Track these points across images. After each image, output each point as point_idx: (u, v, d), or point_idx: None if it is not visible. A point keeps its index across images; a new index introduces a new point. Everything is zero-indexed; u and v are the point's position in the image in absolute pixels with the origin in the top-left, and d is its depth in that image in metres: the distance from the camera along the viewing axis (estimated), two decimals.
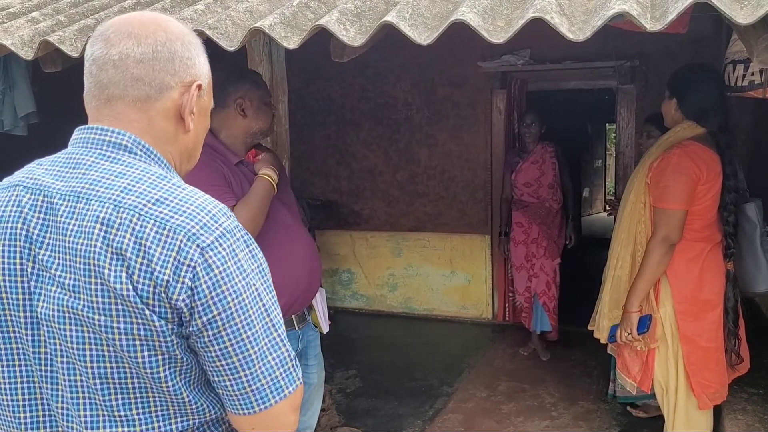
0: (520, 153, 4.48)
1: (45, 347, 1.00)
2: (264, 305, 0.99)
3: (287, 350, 1.02)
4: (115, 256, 0.92)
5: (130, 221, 0.93)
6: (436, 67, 5.18)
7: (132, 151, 1.02)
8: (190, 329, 0.94)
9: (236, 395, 0.98)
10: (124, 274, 0.92)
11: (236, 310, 0.94)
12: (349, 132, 5.54)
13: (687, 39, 4.34)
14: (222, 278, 0.93)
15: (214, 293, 0.93)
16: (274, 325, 1.00)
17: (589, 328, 2.63)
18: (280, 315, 1.03)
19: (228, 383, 0.97)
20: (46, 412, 1.03)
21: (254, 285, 0.98)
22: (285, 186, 2.32)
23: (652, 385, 2.42)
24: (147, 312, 0.92)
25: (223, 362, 0.96)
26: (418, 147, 5.36)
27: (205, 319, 0.93)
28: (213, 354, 0.95)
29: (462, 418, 3.60)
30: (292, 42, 1.72)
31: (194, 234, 0.93)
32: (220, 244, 0.94)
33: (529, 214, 4.36)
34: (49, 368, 1.01)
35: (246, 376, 0.97)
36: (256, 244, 1.03)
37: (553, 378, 4.10)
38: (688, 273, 2.31)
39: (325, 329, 2.48)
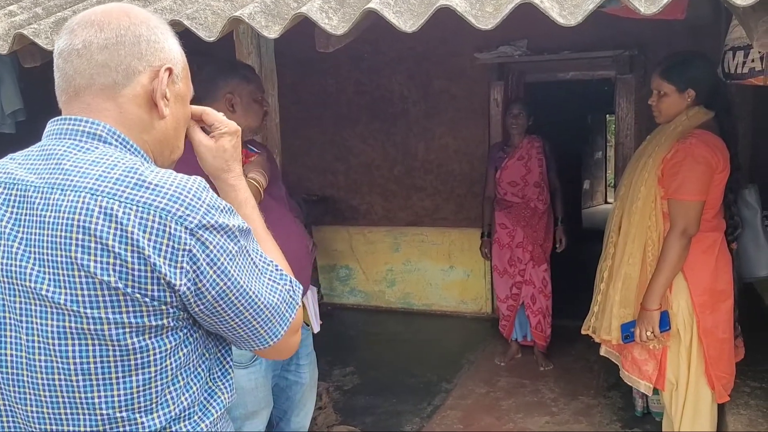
0: (504, 148, 4.20)
1: (10, 349, 0.96)
2: (253, 260, 1.02)
3: (282, 282, 1.07)
4: (99, 246, 0.90)
5: (111, 209, 0.90)
6: (431, 60, 5.11)
7: (106, 141, 0.99)
8: (199, 307, 0.97)
9: (250, 338, 1.05)
10: (111, 266, 0.90)
11: (237, 274, 0.97)
12: (346, 126, 5.48)
13: (685, 27, 4.28)
14: (219, 252, 0.95)
15: (215, 268, 0.95)
16: (268, 271, 1.05)
17: (584, 331, 2.55)
18: (266, 257, 1.07)
19: (242, 332, 1.03)
20: (9, 418, 1.00)
21: (243, 246, 1.00)
22: (276, 181, 2.26)
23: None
24: (141, 299, 0.92)
25: (236, 320, 1.01)
26: (415, 141, 5.30)
27: (213, 293, 0.96)
28: (224, 317, 1.00)
29: (461, 414, 3.54)
30: (273, 32, 1.66)
31: (181, 216, 0.92)
32: (209, 221, 0.94)
33: (513, 216, 4.09)
34: (13, 370, 0.97)
35: (259, 323, 1.03)
36: (232, 207, 1.03)
37: (554, 373, 4.04)
38: (704, 264, 2.25)
39: (316, 328, 2.42)
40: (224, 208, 0.98)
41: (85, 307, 0.91)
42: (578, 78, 4.92)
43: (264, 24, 1.67)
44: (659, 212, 2.29)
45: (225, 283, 0.96)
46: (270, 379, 2.19)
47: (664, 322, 2.23)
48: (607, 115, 11.97)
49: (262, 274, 1.03)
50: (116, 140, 1.00)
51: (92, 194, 0.92)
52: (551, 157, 4.19)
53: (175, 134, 1.10)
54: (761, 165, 3.77)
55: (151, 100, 1.03)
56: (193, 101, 1.16)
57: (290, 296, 1.07)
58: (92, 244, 0.90)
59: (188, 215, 0.93)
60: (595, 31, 4.68)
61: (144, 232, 0.90)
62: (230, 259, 0.96)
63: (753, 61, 2.43)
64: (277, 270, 1.07)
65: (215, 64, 2.12)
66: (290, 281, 1.08)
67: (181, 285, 0.92)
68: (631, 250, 2.34)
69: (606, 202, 12.26)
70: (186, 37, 1.20)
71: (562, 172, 4.44)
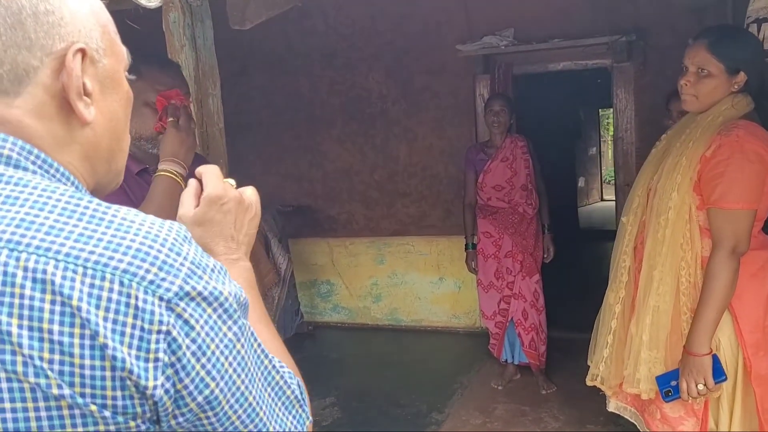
0: (485, 149, 3.80)
1: None
2: (256, 351, 0.71)
3: (290, 388, 0.75)
4: (27, 332, 0.58)
5: (43, 270, 0.59)
6: (411, 54, 4.70)
7: (18, 164, 0.66)
8: (178, 421, 0.64)
9: None
10: (46, 362, 0.58)
11: (237, 372, 0.66)
12: (321, 130, 5.06)
13: (688, 8, 3.90)
14: (210, 335, 0.64)
15: (205, 360, 0.63)
16: (273, 365, 0.73)
17: (589, 383, 2.09)
18: (265, 348, 0.74)
19: None
20: None
21: (244, 327, 0.69)
22: None
23: None
24: (98, 413, 0.60)
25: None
26: (396, 142, 4.88)
27: (201, 399, 0.64)
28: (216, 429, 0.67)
29: None
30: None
31: (153, 281, 0.61)
32: (194, 288, 0.63)
33: (498, 223, 3.68)
34: None
35: None
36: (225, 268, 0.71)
37: (557, 397, 3.62)
38: (755, 292, 1.78)
39: None
40: (214, 268, 0.67)
41: (5, 427, 0.59)
42: (570, 68, 4.52)
43: None
44: (695, 226, 1.82)
45: (218, 385, 0.64)
46: None
47: (719, 370, 1.73)
48: (600, 110, 11.63)
49: (266, 374, 0.72)
50: (33, 162, 0.67)
51: (10, 249, 0.59)
52: (535, 157, 3.78)
53: (112, 137, 0.76)
54: None
55: (63, 103, 0.68)
56: None
57: (299, 407, 0.76)
58: (15, 328, 0.58)
59: (163, 279, 0.62)
60: (588, 16, 4.29)
61: (97, 306, 0.59)
62: (226, 347, 0.65)
63: None
64: (280, 369, 0.75)
65: None
66: (298, 385, 0.77)
67: (155, 388, 0.61)
68: (662, 276, 1.85)
69: (602, 200, 11.90)
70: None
71: (556, 169, 4.04)
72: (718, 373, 1.73)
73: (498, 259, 3.70)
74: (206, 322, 0.64)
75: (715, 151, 1.75)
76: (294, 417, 0.75)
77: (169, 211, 1.58)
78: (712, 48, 1.81)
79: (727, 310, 1.77)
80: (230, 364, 0.66)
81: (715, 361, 1.74)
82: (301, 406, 0.76)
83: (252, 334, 0.70)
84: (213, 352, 0.64)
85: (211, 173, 0.88)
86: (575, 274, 6.01)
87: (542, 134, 6.21)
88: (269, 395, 0.72)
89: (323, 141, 5.07)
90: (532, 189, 3.70)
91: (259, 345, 0.71)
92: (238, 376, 0.67)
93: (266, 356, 0.72)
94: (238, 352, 0.67)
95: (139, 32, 2.49)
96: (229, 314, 0.66)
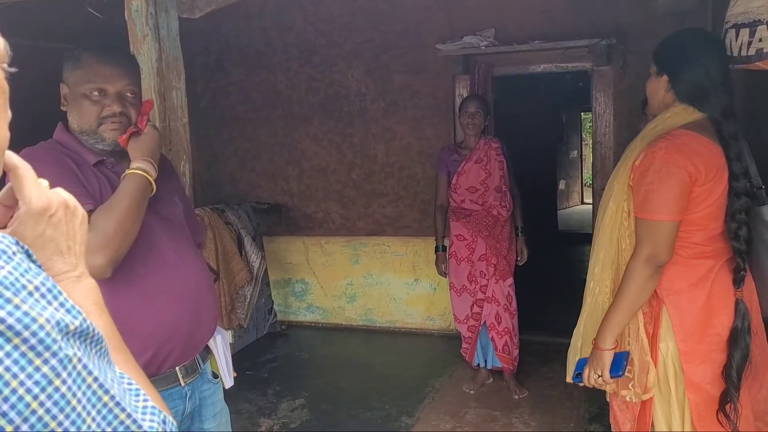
0: (458, 150, 3.75)
1: None
2: (95, 380, 0.60)
3: (140, 428, 0.63)
4: None
5: None
6: (390, 52, 4.64)
7: None
8: None
9: None
10: None
11: (49, 410, 0.55)
12: (298, 127, 4.98)
13: (669, 13, 3.87)
14: (9, 369, 0.53)
15: (0, 399, 0.52)
16: (116, 403, 0.61)
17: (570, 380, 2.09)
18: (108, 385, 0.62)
19: None
20: None
21: (63, 357, 0.57)
22: (169, 193, 1.75)
23: None
24: None
25: None
26: (374, 142, 4.81)
27: None
28: None
29: None
30: None
31: None
32: None
33: (472, 225, 3.62)
34: None
35: None
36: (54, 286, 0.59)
37: (529, 402, 3.58)
38: (692, 301, 1.77)
39: (229, 382, 1.92)
40: (36, 290, 0.57)
41: None
42: (551, 71, 4.48)
43: None
44: (633, 231, 1.82)
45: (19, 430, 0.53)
46: None
47: (618, 365, 1.78)
48: (582, 113, 11.65)
49: (103, 413, 0.60)
50: None
51: None
52: (509, 159, 3.73)
53: None
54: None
55: None
56: None
57: None
58: None
59: None
60: (570, 18, 4.26)
61: None
62: (36, 384, 0.54)
63: (761, 40, 1.97)
64: (126, 408, 0.62)
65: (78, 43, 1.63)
66: (162, 422, 0.66)
67: None
68: (600, 276, 1.91)
69: (582, 203, 11.91)
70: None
71: (536, 172, 3.99)
72: (616, 369, 1.78)
73: (471, 262, 3.65)
74: (8, 355, 0.53)
75: (642, 161, 1.75)
76: None
77: (138, 212, 1.52)
78: (654, 52, 1.89)
79: (670, 318, 1.78)
80: (41, 405, 0.55)
81: (618, 357, 1.79)
82: None
83: (85, 367, 0.59)
84: (14, 391, 0.53)
85: (27, 177, 0.70)
86: (552, 277, 5.99)
87: (523, 136, 6.18)
88: None
89: (300, 138, 4.99)
90: (506, 191, 3.65)
91: (96, 379, 0.60)
92: (53, 418, 0.55)
93: (105, 392, 0.60)
94: (56, 389, 0.56)
95: (102, 21, 2.41)
96: (45, 346, 0.55)
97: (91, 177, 1.59)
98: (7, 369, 0.53)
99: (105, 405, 0.60)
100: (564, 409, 3.48)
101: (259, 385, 3.96)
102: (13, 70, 0.66)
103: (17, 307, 0.54)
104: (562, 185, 10.85)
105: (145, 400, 0.66)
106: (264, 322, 4.90)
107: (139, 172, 1.53)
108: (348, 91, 4.81)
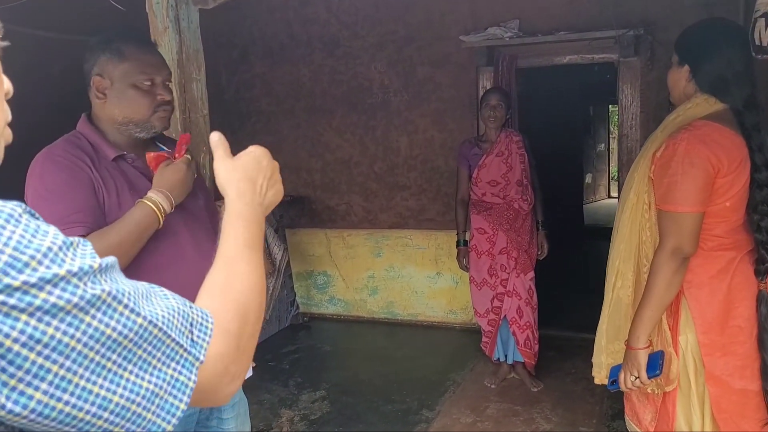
0: (479, 144, 3.70)
1: None
2: (125, 307, 0.64)
3: (170, 337, 0.68)
4: None
5: None
6: (414, 44, 4.61)
7: None
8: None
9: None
10: None
11: (81, 382, 0.59)
12: (321, 120, 4.98)
13: (697, 2, 3.79)
14: (32, 344, 0.56)
15: (31, 376, 0.56)
16: (149, 321, 0.67)
17: (594, 375, 2.05)
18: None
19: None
20: None
21: (92, 296, 0.61)
22: (194, 196, 1.75)
23: None
24: None
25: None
26: (397, 134, 4.80)
27: (44, 385, 0.56)
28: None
29: None
30: None
31: None
32: (11, 283, 0.54)
33: (493, 219, 3.58)
34: None
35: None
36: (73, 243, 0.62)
37: (550, 398, 3.55)
38: (712, 294, 1.74)
39: (247, 374, 1.92)
40: (53, 246, 0.59)
41: None
42: (576, 62, 4.40)
43: None
44: (654, 223, 1.79)
45: (55, 398, 0.57)
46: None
47: (654, 364, 1.74)
48: (610, 106, 11.49)
49: (141, 332, 0.64)
50: None
51: None
52: (530, 153, 3.68)
53: None
54: None
55: None
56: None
57: (182, 353, 0.69)
58: None
59: None
60: (595, 9, 4.19)
61: None
62: (63, 355, 0.57)
63: None
64: (162, 316, 0.68)
65: (97, 35, 1.63)
66: (201, 322, 0.75)
67: None
68: (621, 269, 1.87)
69: (609, 197, 11.77)
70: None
71: (562, 165, 3.94)
72: (653, 368, 1.73)
73: (492, 255, 3.62)
74: (33, 329, 0.56)
75: (663, 152, 1.72)
76: (177, 365, 0.68)
77: (134, 243, 1.50)
78: (675, 42, 1.84)
79: (689, 310, 1.75)
80: (78, 342, 0.58)
81: (654, 357, 1.74)
82: (186, 351, 0.69)
83: (114, 298, 0.62)
84: (44, 365, 0.56)
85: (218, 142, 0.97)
86: (577, 272, 5.91)
87: (549, 129, 6.11)
88: (139, 357, 0.64)
89: (323, 131, 4.99)
90: (527, 185, 3.61)
91: (126, 306, 0.63)
92: (89, 354, 0.60)
93: (137, 315, 0.64)
94: (89, 325, 0.60)
95: (120, 12, 2.43)
96: (66, 312, 0.58)
97: (105, 173, 1.59)
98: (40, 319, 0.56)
99: (140, 326, 0.64)
100: (586, 405, 3.45)
101: (281, 376, 3.98)
102: (5, 44, 0.67)
103: (35, 269, 0.56)
104: (588, 179, 10.72)
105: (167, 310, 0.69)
106: (286, 313, 4.93)
107: (149, 204, 1.52)
108: (371, 83, 4.79)
